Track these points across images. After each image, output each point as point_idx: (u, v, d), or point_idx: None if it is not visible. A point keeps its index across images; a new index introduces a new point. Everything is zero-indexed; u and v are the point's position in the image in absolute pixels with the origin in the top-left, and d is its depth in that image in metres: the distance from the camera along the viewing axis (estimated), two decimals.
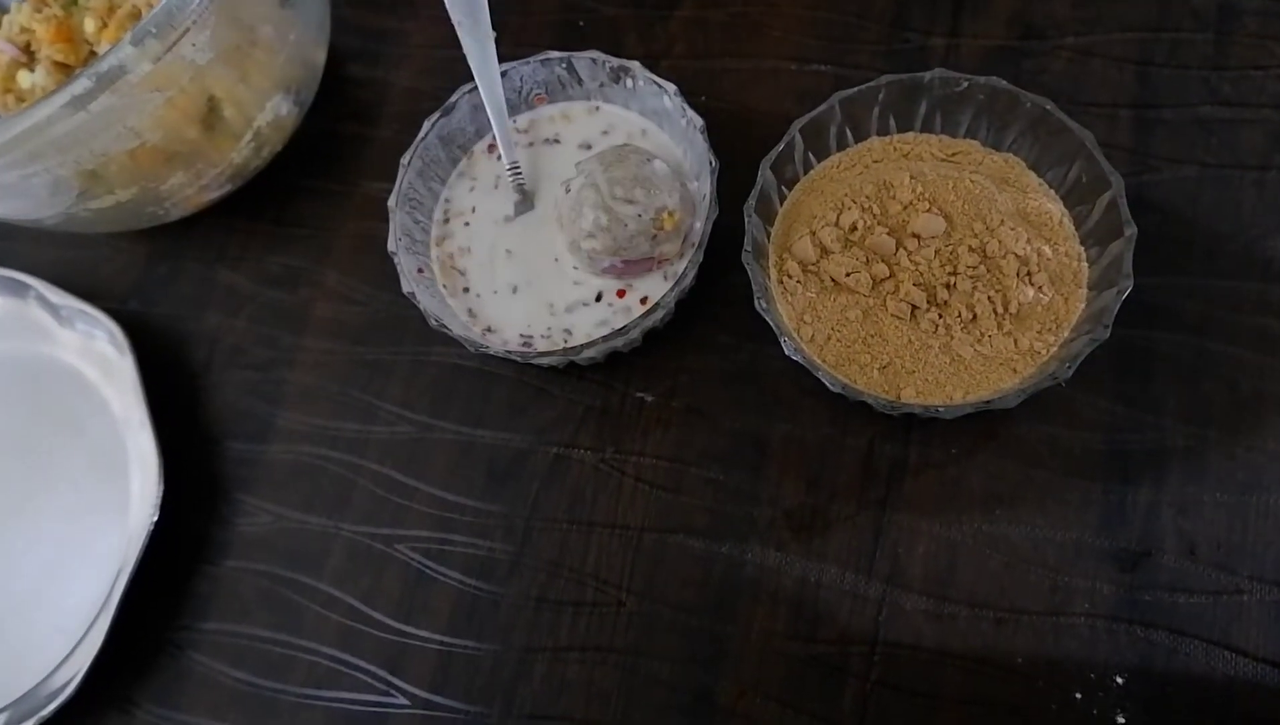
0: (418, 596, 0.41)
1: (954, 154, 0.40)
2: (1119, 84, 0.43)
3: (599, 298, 0.41)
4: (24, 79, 0.46)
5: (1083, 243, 0.37)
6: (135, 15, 0.45)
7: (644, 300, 0.41)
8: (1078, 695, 0.35)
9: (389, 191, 0.43)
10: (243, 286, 0.49)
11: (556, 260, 0.42)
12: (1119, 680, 0.35)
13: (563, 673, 0.39)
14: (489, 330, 0.42)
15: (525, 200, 0.44)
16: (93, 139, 0.37)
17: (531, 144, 0.45)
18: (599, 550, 0.40)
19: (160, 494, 0.42)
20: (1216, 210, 0.40)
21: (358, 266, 0.48)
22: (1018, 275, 0.36)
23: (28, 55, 0.46)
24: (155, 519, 0.41)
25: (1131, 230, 0.35)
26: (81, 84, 0.34)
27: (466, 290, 0.43)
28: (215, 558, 0.44)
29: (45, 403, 0.48)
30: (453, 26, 0.45)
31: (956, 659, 0.36)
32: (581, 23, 0.50)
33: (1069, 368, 0.34)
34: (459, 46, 0.44)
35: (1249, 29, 0.42)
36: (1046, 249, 0.36)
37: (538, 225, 0.43)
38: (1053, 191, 0.38)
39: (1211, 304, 0.39)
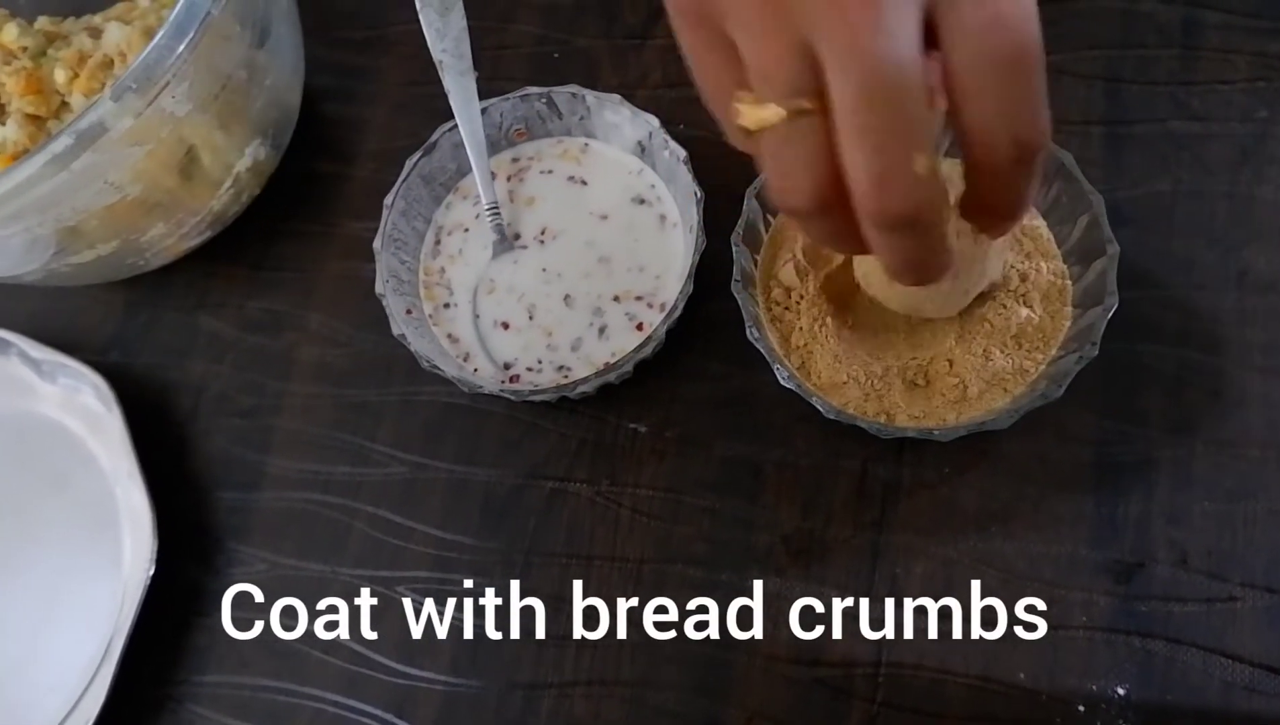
0: (420, 638, 0.41)
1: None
2: (1089, 101, 0.44)
3: (602, 332, 0.41)
4: None
5: (1064, 261, 0.38)
6: (107, 65, 0.45)
7: (640, 326, 0.41)
8: (1080, 708, 0.35)
9: (369, 230, 0.43)
10: (225, 333, 0.48)
11: (567, 297, 0.43)
12: (1120, 691, 0.35)
13: (569, 708, 0.39)
14: (466, 358, 0.42)
15: (504, 240, 0.44)
16: (73, 196, 0.37)
17: (510, 177, 0.45)
18: (599, 583, 0.40)
19: (155, 548, 0.41)
20: (1191, 223, 0.41)
21: (341, 308, 0.48)
22: (1014, 293, 0.37)
23: None
24: (151, 573, 0.41)
25: (1115, 248, 0.36)
26: (62, 142, 0.33)
27: (453, 326, 0.43)
28: (210, 609, 0.43)
29: (30, 459, 0.47)
30: (426, 62, 0.45)
31: (959, 677, 0.37)
32: (555, 55, 0.50)
33: (1060, 386, 0.34)
34: (433, 82, 0.45)
35: (1213, 43, 0.44)
36: (1044, 265, 0.37)
37: (529, 260, 0.43)
38: (1034, 210, 0.39)
39: (1191, 316, 0.39)
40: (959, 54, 0.23)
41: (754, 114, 0.24)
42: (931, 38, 0.23)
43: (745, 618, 0.39)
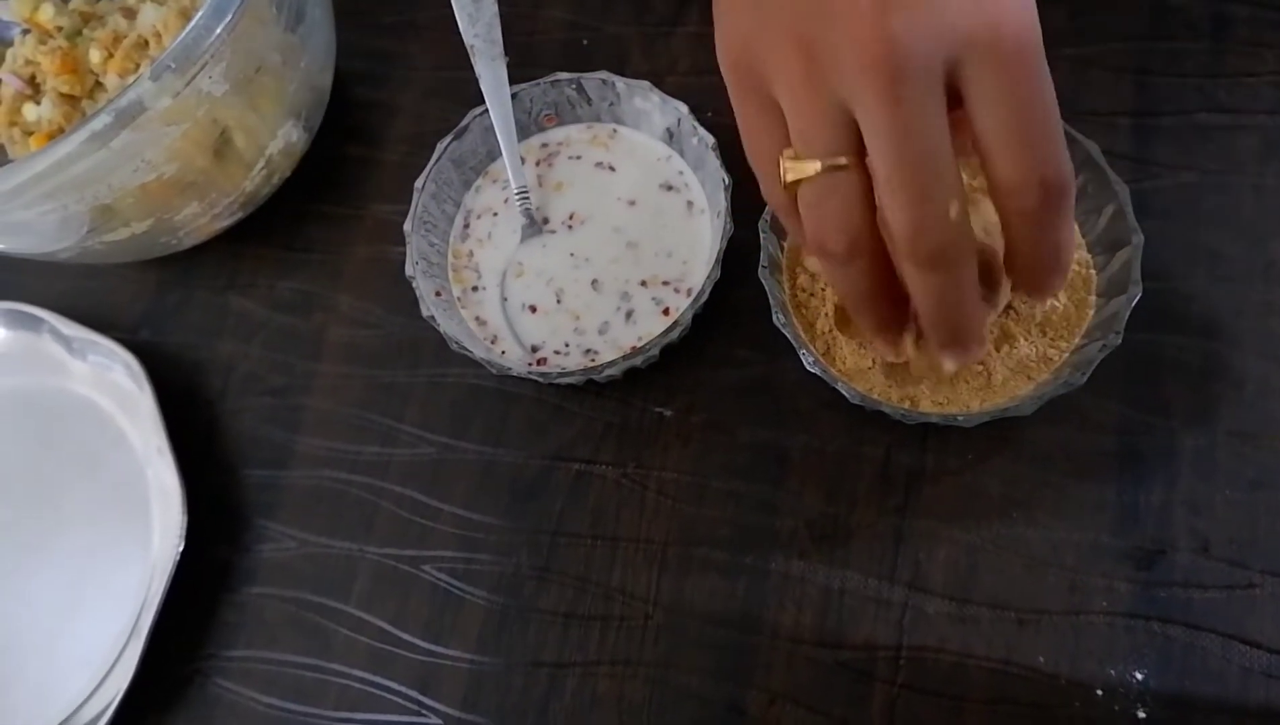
0: (446, 616, 0.42)
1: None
2: (1117, 93, 0.44)
3: (629, 316, 0.42)
4: (30, 112, 0.46)
5: (1090, 250, 0.38)
6: (141, 45, 0.45)
7: (666, 310, 0.42)
8: (1099, 692, 0.36)
9: (398, 214, 0.43)
10: (255, 313, 0.49)
11: (595, 281, 0.43)
12: (1139, 676, 0.36)
13: (593, 687, 0.40)
14: (494, 340, 0.43)
15: (533, 224, 0.44)
16: (110, 174, 0.37)
17: (539, 162, 0.46)
18: (624, 565, 0.41)
19: (185, 524, 0.42)
20: (1217, 215, 0.41)
21: (370, 290, 0.48)
22: None
23: (33, 88, 0.46)
24: (181, 549, 0.41)
25: (1139, 238, 0.36)
26: (101, 120, 0.34)
27: (481, 309, 0.44)
28: (239, 585, 0.44)
29: (60, 436, 0.48)
30: (456, 47, 0.45)
31: (980, 660, 0.37)
32: (585, 41, 0.51)
33: (1083, 374, 0.35)
34: (462, 67, 0.45)
35: (1241, 36, 0.44)
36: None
37: (557, 245, 0.44)
38: None
39: (1216, 308, 0.40)
40: (983, 118, 0.26)
41: (795, 168, 0.27)
42: (956, 95, 0.26)
43: (768, 601, 0.39)
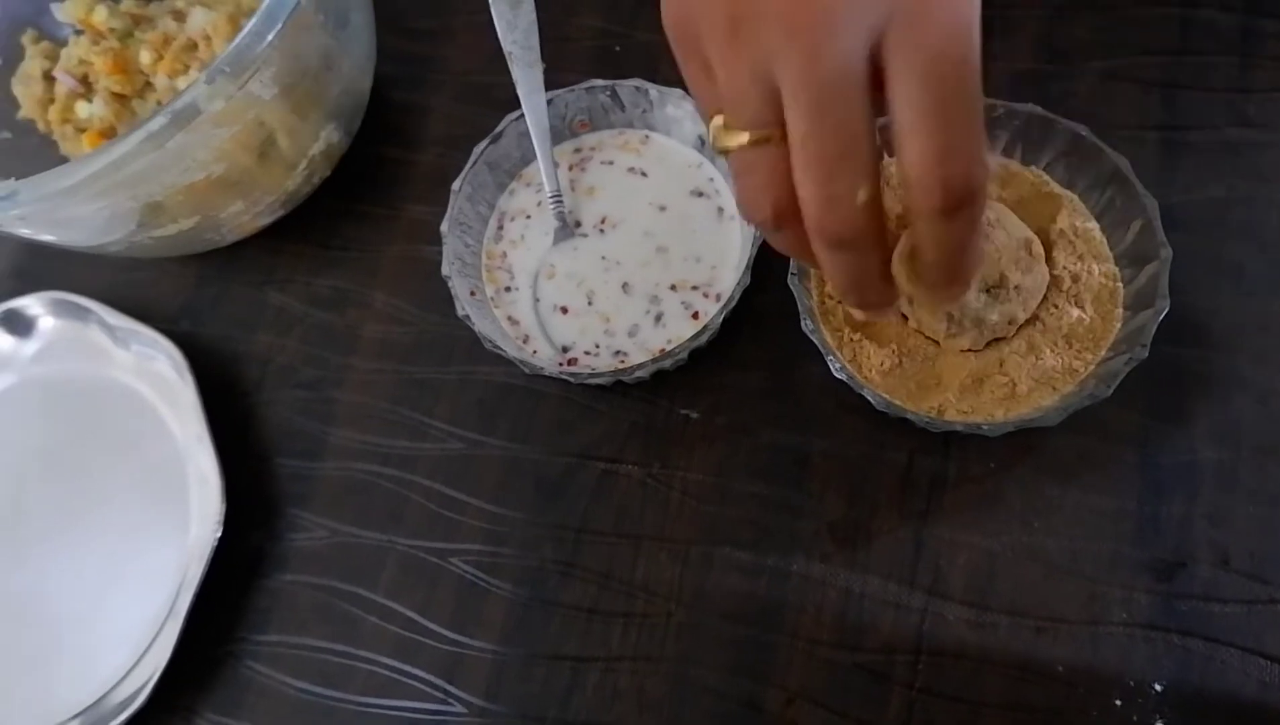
0: (471, 608, 0.43)
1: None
2: (1145, 106, 0.44)
3: (658, 319, 0.43)
4: (82, 110, 0.48)
5: (1117, 263, 0.39)
6: (190, 47, 0.46)
7: (695, 314, 0.43)
8: (1117, 702, 0.36)
9: (432, 214, 0.44)
10: (292, 308, 0.50)
11: (625, 285, 0.44)
12: (1157, 687, 0.36)
13: (614, 682, 0.40)
14: (526, 340, 0.44)
15: (565, 228, 0.45)
16: (162, 173, 0.39)
17: (572, 166, 0.47)
18: (647, 563, 0.42)
19: (223, 511, 0.43)
20: (1243, 230, 0.41)
21: (404, 288, 0.49)
22: (1066, 293, 0.37)
23: (85, 86, 0.48)
24: (219, 535, 0.43)
25: (1167, 252, 0.36)
26: (157, 122, 0.35)
27: (513, 309, 0.45)
28: (272, 572, 0.45)
29: (104, 421, 0.49)
30: (490, 52, 0.46)
31: (998, 667, 0.38)
32: (617, 48, 0.52)
33: (1109, 387, 0.35)
34: (496, 71, 0.46)
35: (1271, 51, 0.44)
36: (1096, 267, 0.38)
37: (589, 248, 0.45)
38: (1088, 212, 0.40)
39: (1240, 323, 0.40)
40: (896, 91, 0.24)
41: (722, 138, 0.27)
42: (879, 76, 0.25)
43: (789, 601, 0.40)
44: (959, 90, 0.24)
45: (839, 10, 0.24)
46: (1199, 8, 0.45)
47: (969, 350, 0.38)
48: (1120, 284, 0.38)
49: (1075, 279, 0.38)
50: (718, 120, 0.27)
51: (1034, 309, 0.38)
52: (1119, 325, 0.38)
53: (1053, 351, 0.38)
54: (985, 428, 0.36)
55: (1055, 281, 0.38)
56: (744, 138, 0.26)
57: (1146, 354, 0.35)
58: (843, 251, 0.26)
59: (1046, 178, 0.40)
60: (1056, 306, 0.38)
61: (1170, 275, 0.36)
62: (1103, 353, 0.37)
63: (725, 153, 0.27)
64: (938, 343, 0.39)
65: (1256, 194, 0.42)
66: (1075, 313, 0.38)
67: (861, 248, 0.26)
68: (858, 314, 0.31)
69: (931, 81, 0.24)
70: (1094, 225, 0.39)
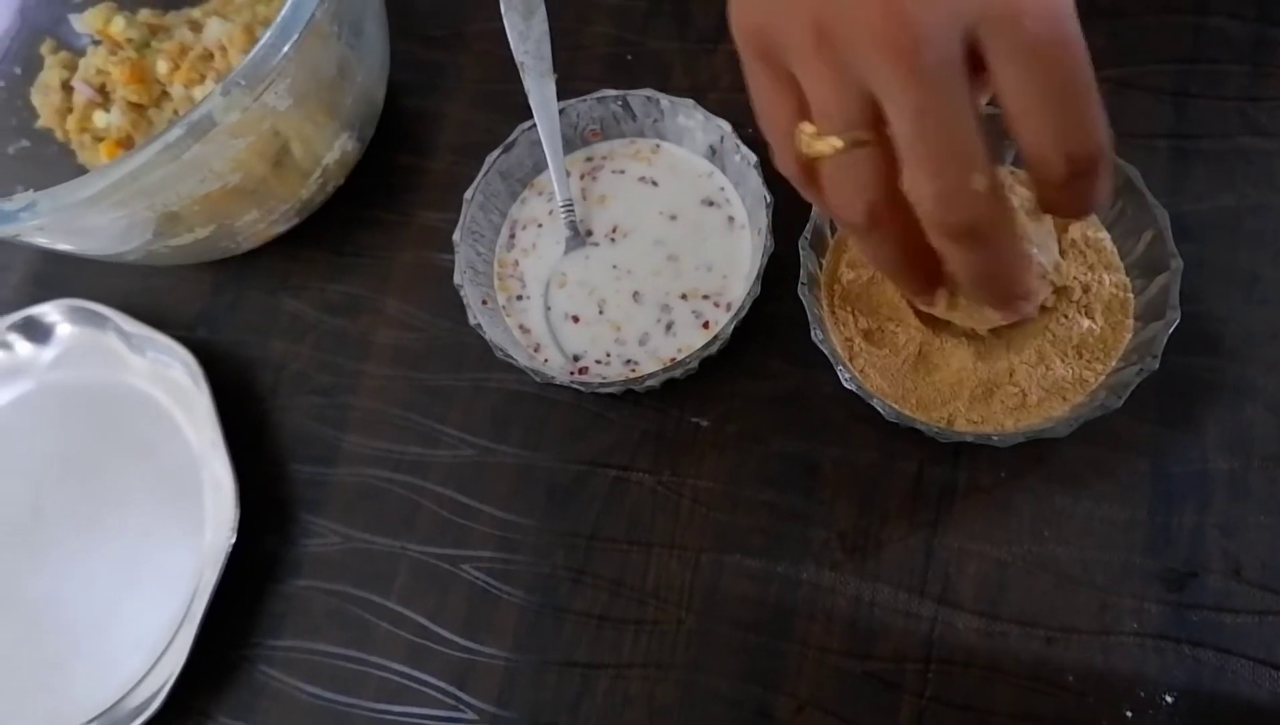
0: (483, 614, 0.43)
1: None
2: (1157, 115, 0.44)
3: (669, 328, 0.43)
4: (99, 119, 0.48)
5: (1128, 273, 0.39)
6: (206, 57, 0.47)
7: (706, 323, 0.43)
8: (1128, 713, 0.36)
9: (444, 221, 0.45)
10: (306, 314, 0.51)
11: (636, 293, 0.44)
12: (1168, 698, 0.36)
13: (625, 689, 0.41)
14: (537, 348, 0.44)
15: (577, 236, 0.46)
16: (179, 183, 0.39)
17: (583, 175, 0.47)
18: (658, 570, 0.42)
19: (237, 516, 0.43)
20: (1255, 239, 0.41)
21: (416, 295, 0.50)
22: (1076, 303, 0.37)
23: (103, 96, 0.49)
24: (233, 540, 0.43)
25: (1178, 263, 0.36)
26: (174, 133, 0.36)
27: (524, 317, 0.45)
28: (286, 577, 0.46)
29: (119, 428, 0.50)
30: (503, 60, 0.47)
31: (1008, 676, 0.38)
32: (629, 56, 0.52)
33: (1119, 398, 0.35)
34: (509, 79, 0.46)
35: None
36: (1107, 277, 0.38)
37: (600, 257, 0.45)
38: (1099, 222, 0.40)
39: (1251, 332, 0.40)
40: (1005, 80, 0.25)
41: (814, 144, 0.27)
42: (978, 59, 0.25)
43: (799, 609, 0.40)
44: (1067, 74, 0.24)
45: (932, 11, 0.24)
46: (1211, 16, 0.45)
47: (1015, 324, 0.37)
48: (1131, 294, 0.38)
49: (1086, 289, 0.38)
50: (806, 127, 0.27)
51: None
52: (1129, 335, 0.38)
53: (1063, 362, 0.38)
54: (995, 438, 0.36)
55: (1066, 291, 0.38)
56: (837, 143, 0.26)
57: (1157, 365, 0.35)
58: (972, 242, 0.26)
59: None
60: (1067, 316, 0.38)
61: (1182, 283, 0.36)
62: (1113, 363, 0.37)
63: (815, 160, 0.27)
64: (970, 335, 0.38)
65: (1268, 203, 0.42)
66: (1086, 323, 0.38)
67: (991, 234, 0.26)
68: (994, 318, 0.30)
69: (1038, 70, 0.24)
70: (1105, 235, 0.39)
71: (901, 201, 0.27)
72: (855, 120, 0.26)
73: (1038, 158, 0.25)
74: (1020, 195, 0.34)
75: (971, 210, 0.25)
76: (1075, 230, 0.39)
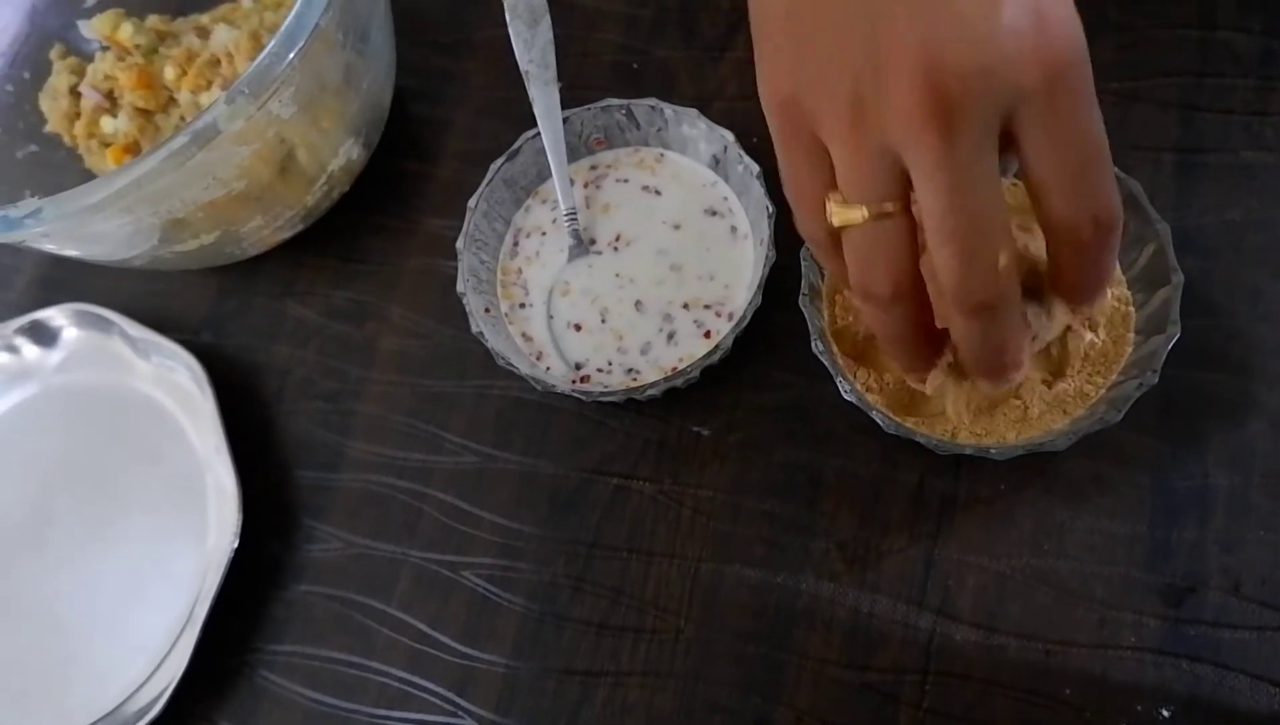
0: (483, 621, 0.43)
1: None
2: (1162, 127, 0.44)
3: (671, 338, 0.43)
4: (107, 124, 0.49)
5: (1129, 287, 0.39)
6: (213, 64, 0.47)
7: (708, 333, 0.43)
8: None
9: (449, 227, 0.45)
10: (311, 320, 0.51)
11: (638, 302, 0.44)
12: (1165, 713, 0.36)
13: (624, 697, 0.41)
14: (539, 356, 0.44)
15: (580, 245, 0.46)
16: (184, 190, 0.39)
17: (587, 184, 0.47)
18: (658, 579, 0.42)
19: (240, 521, 0.44)
20: (1259, 254, 0.41)
21: (421, 301, 0.50)
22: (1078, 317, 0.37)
23: (110, 101, 0.49)
24: (236, 545, 0.43)
25: (1179, 278, 0.36)
26: (179, 141, 0.36)
27: (527, 325, 0.45)
28: (288, 582, 0.46)
29: (124, 431, 0.50)
30: (509, 68, 0.47)
31: (1007, 688, 0.38)
32: (635, 65, 0.52)
33: (1119, 411, 0.35)
34: (514, 87, 0.47)
35: None
36: (1108, 291, 0.38)
37: (603, 265, 0.45)
38: None
39: (1254, 347, 0.40)
40: (1036, 163, 0.26)
41: (842, 213, 0.28)
42: (1008, 136, 0.26)
43: (798, 619, 0.40)
44: (1091, 140, 0.26)
45: (973, 96, 0.25)
46: (1218, 30, 0.45)
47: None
48: (1132, 308, 0.38)
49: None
50: (836, 196, 0.28)
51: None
52: (1130, 349, 0.38)
53: (1068, 376, 0.38)
54: (994, 452, 0.36)
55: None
56: (864, 212, 0.27)
57: (1157, 379, 0.35)
58: (983, 316, 0.27)
59: None
60: (1069, 330, 0.38)
61: (1185, 297, 0.36)
62: (1114, 377, 0.37)
63: (841, 229, 0.28)
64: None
65: (1273, 217, 0.42)
66: (1088, 337, 0.37)
67: (1002, 310, 0.27)
68: (985, 390, 0.32)
69: (1070, 153, 0.26)
70: None
71: (922, 278, 0.28)
72: (884, 191, 0.27)
73: (1066, 225, 0.27)
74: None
75: (996, 288, 0.27)
76: None
